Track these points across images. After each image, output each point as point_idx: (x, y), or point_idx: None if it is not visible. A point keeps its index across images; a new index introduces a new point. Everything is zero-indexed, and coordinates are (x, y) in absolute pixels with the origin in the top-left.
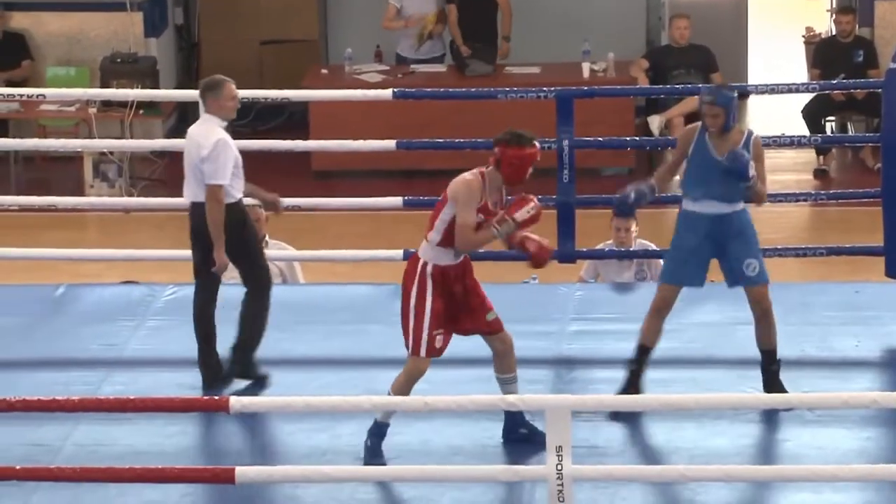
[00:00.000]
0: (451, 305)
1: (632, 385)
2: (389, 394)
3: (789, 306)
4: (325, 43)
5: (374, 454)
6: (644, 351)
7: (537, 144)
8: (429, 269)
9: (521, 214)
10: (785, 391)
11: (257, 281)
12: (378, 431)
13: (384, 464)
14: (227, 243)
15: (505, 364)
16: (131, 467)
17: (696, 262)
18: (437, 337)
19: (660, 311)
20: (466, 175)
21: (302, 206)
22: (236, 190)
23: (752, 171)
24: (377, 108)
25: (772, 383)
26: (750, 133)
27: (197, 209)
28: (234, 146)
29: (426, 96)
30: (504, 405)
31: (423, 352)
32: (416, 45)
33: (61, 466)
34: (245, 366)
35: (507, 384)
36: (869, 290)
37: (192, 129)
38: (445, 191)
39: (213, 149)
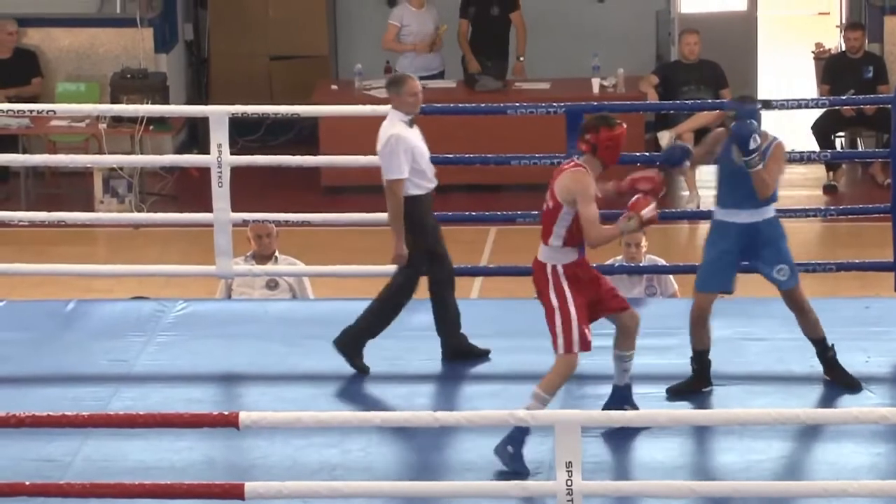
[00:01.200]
0: (587, 297)
1: (696, 381)
2: (536, 394)
3: None
4: (335, 58)
5: (517, 461)
6: (700, 354)
7: (623, 125)
8: (560, 269)
9: (647, 212)
10: (847, 374)
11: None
12: (519, 438)
13: (527, 472)
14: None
15: (629, 341)
16: (141, 483)
17: (727, 270)
18: (587, 331)
19: (698, 320)
20: (571, 172)
21: (311, 221)
22: (414, 184)
23: (753, 144)
24: None
25: (831, 367)
26: (774, 139)
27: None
28: (413, 139)
29: (436, 112)
30: (514, 420)
31: (576, 347)
32: (429, 52)
33: (71, 482)
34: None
35: (627, 361)
36: (879, 305)
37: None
38: (552, 196)
39: (385, 144)
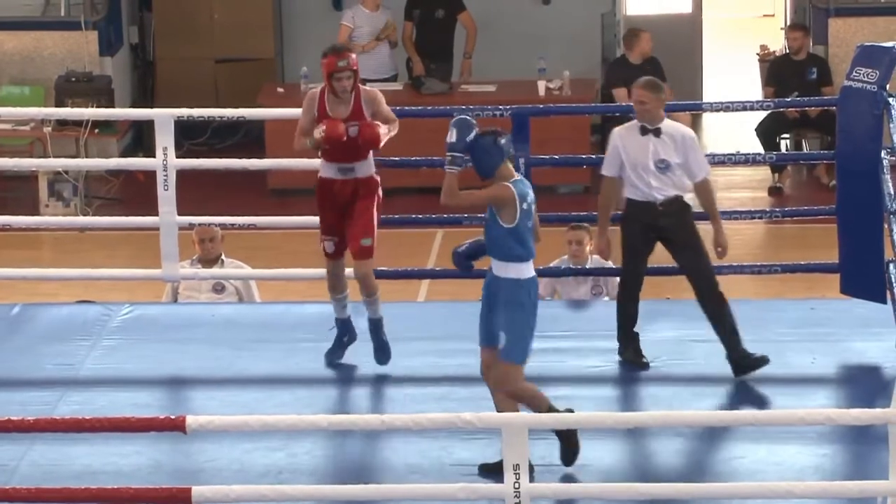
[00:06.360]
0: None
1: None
2: None
3: (745, 323)
4: (281, 61)
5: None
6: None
7: (345, 57)
8: (319, 175)
9: (317, 132)
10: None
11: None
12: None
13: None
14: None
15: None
16: (87, 487)
17: (482, 322)
18: (326, 243)
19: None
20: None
21: (258, 224)
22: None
23: (451, 137)
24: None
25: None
26: (514, 180)
27: None
28: (621, 137)
29: None
30: (461, 423)
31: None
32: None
33: (17, 487)
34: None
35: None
36: (824, 306)
37: None
38: None
39: (694, 140)
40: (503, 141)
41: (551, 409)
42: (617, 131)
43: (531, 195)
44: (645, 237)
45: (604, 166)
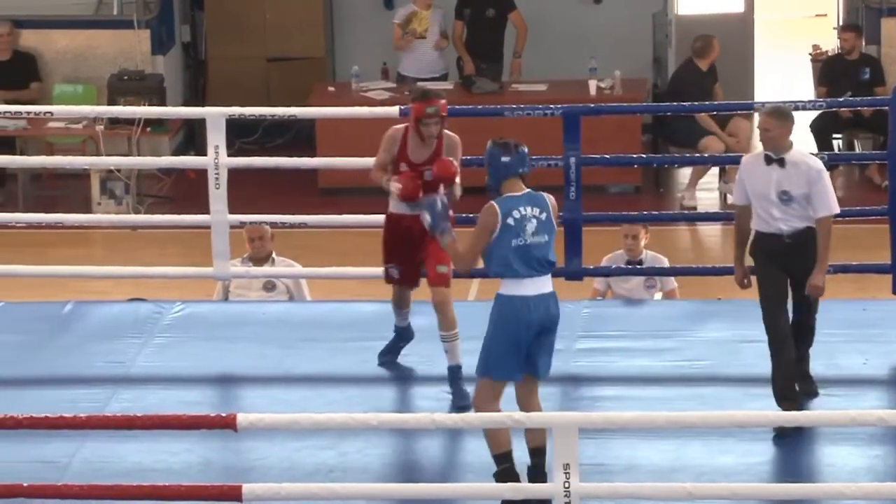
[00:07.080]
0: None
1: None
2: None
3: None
4: (332, 60)
5: None
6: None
7: (434, 104)
8: (389, 210)
9: (393, 186)
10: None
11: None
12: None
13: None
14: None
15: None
16: (138, 485)
17: None
18: (391, 270)
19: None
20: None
21: (308, 223)
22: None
23: (429, 219)
24: (384, 125)
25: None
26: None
27: None
28: (746, 165)
29: None
30: (511, 422)
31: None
32: (403, 31)
33: (68, 484)
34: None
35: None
36: (876, 307)
37: None
38: None
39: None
40: (508, 160)
41: (503, 457)
42: (744, 159)
43: (524, 212)
44: (776, 269)
45: (733, 195)
